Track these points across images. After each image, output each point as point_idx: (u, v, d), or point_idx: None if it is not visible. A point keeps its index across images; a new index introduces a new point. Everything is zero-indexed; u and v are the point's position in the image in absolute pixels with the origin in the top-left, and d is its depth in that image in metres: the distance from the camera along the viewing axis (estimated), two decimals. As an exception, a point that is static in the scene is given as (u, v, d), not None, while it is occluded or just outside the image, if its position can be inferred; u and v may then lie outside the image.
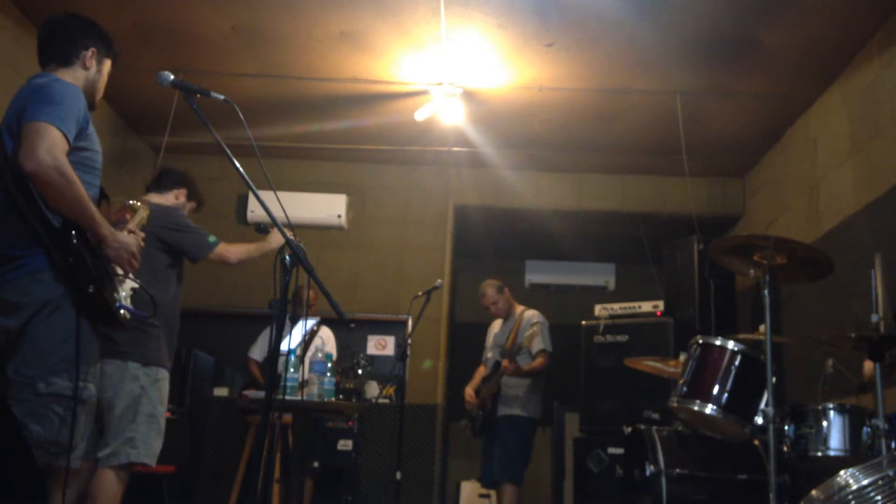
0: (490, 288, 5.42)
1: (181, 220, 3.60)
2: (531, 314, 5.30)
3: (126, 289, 2.63)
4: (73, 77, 2.60)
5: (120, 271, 2.60)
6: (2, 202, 2.40)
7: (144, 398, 3.32)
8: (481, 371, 5.49)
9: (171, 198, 3.76)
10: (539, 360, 5.14)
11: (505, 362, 4.99)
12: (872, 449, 3.03)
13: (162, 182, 3.79)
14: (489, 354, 5.42)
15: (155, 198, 3.70)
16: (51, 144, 2.30)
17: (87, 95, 2.64)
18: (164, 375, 3.42)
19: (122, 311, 2.51)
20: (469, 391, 5.38)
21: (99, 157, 2.59)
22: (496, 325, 5.52)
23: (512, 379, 5.09)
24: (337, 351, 5.63)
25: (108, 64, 2.75)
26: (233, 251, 3.62)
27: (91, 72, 2.67)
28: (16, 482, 1.80)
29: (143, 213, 2.98)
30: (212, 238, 3.56)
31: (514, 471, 5.03)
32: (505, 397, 5.13)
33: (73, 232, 2.37)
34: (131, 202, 2.97)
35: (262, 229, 3.75)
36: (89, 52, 2.65)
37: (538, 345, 5.14)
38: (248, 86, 5.66)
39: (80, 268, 2.36)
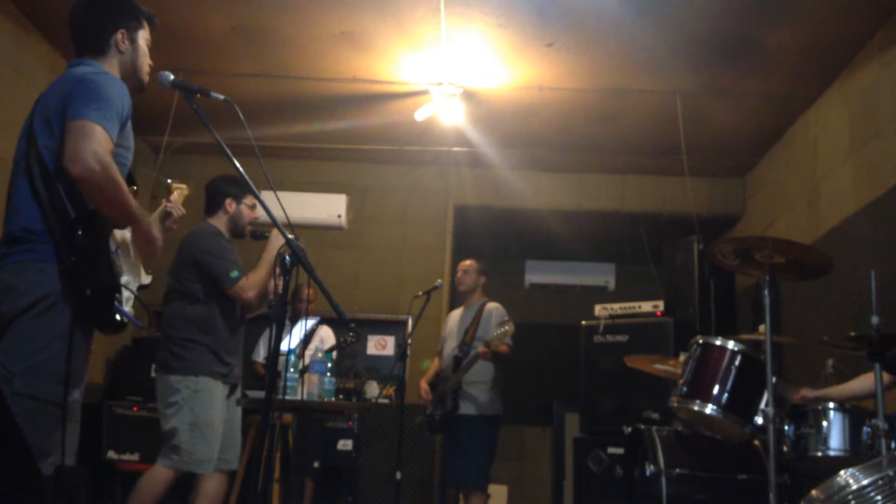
0: (479, 264, 5.28)
1: (212, 245, 3.59)
2: (497, 309, 5.09)
3: (130, 290, 2.61)
4: (110, 66, 2.54)
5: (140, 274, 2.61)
6: (24, 186, 2.37)
7: (186, 408, 3.39)
8: (436, 363, 5.29)
9: (222, 214, 3.75)
10: (504, 348, 4.88)
11: (481, 348, 4.72)
12: (872, 449, 3.03)
13: (208, 203, 3.78)
14: (449, 345, 5.18)
15: (211, 220, 3.74)
16: (96, 146, 2.26)
17: (132, 78, 2.59)
18: (205, 384, 3.44)
19: (118, 316, 2.47)
20: (424, 386, 5.12)
21: (131, 154, 2.55)
22: (455, 314, 5.32)
23: (472, 376, 4.88)
24: (336, 350, 5.62)
25: (143, 34, 2.64)
26: (249, 289, 3.56)
27: (127, 53, 2.58)
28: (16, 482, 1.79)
29: (176, 194, 3.01)
30: (234, 273, 3.54)
31: (482, 476, 4.83)
32: (465, 395, 4.89)
33: (80, 230, 2.33)
34: (169, 181, 2.98)
35: (258, 236, 3.74)
36: (119, 35, 2.56)
37: (507, 341, 4.91)
38: (248, 86, 5.66)
39: (81, 268, 2.33)
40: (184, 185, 3.12)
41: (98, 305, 2.39)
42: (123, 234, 2.57)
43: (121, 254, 2.54)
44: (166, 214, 2.94)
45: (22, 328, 2.30)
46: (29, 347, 2.29)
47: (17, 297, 2.30)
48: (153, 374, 3.72)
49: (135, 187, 2.58)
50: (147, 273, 2.71)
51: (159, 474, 3.35)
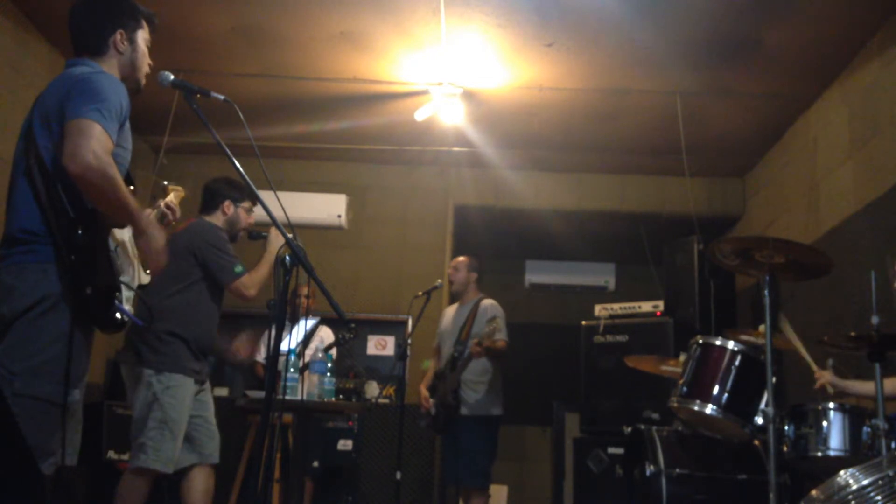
0: (469, 260, 5.26)
1: (217, 240, 3.59)
2: (491, 304, 5.06)
3: (131, 288, 2.60)
4: (109, 66, 2.53)
5: (140, 274, 2.60)
6: (24, 187, 2.37)
7: (156, 404, 3.37)
8: (433, 362, 5.26)
9: (220, 215, 3.74)
10: (501, 344, 4.88)
11: (474, 347, 4.71)
12: (872, 449, 3.03)
13: (206, 203, 3.78)
14: (445, 343, 5.14)
15: (207, 219, 3.74)
16: (95, 145, 2.26)
17: (130, 78, 2.59)
18: (178, 381, 3.42)
19: (118, 315, 2.46)
20: (424, 392, 5.08)
21: (129, 154, 2.55)
22: (450, 311, 5.30)
23: (471, 376, 4.86)
24: (336, 350, 5.61)
25: (142, 34, 2.63)
26: (251, 286, 3.55)
27: (126, 54, 2.57)
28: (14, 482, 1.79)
29: (172, 196, 3.02)
30: (238, 268, 3.54)
31: (482, 476, 4.82)
32: (465, 395, 4.86)
33: (80, 229, 2.33)
34: (165, 182, 2.99)
35: (255, 236, 3.74)
36: (118, 36, 2.55)
37: (501, 337, 4.89)
38: (248, 86, 5.66)
39: (82, 267, 2.33)
40: (180, 187, 3.12)
41: (98, 304, 2.39)
42: (122, 233, 2.57)
43: (120, 253, 2.54)
44: (161, 216, 2.94)
45: (22, 329, 2.30)
46: (29, 348, 2.29)
47: (17, 298, 2.30)
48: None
49: (132, 187, 2.58)
50: (146, 272, 2.71)
51: (132, 483, 3.34)
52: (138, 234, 2.52)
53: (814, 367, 3.64)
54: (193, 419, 3.51)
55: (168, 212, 2.94)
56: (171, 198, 3.01)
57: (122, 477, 3.40)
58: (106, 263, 2.43)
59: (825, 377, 3.57)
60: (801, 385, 3.76)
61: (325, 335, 5.60)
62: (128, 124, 2.50)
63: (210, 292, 3.58)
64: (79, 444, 2.49)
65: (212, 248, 3.55)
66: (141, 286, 2.68)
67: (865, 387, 3.51)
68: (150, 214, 2.88)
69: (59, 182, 2.32)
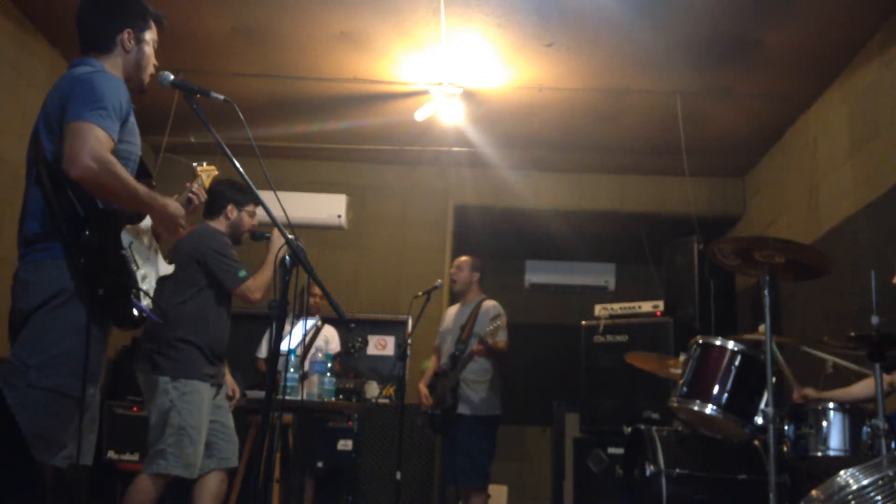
0: (472, 260, 5.25)
1: (220, 245, 3.60)
2: (493, 305, 5.05)
3: (146, 293, 2.59)
4: (113, 64, 2.54)
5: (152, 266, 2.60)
6: (35, 190, 2.39)
7: (173, 411, 3.37)
8: (433, 361, 5.25)
9: (223, 219, 3.75)
10: (502, 344, 4.90)
11: (477, 346, 4.71)
12: (872, 449, 3.04)
13: (209, 206, 3.76)
14: (447, 342, 5.13)
15: (211, 223, 3.75)
16: (94, 146, 2.28)
17: (134, 78, 2.59)
18: (194, 387, 3.43)
19: (135, 311, 2.46)
20: (423, 390, 5.04)
21: (137, 149, 2.55)
22: (452, 310, 5.29)
23: (472, 376, 4.85)
24: (344, 355, 5.62)
25: (149, 34, 2.64)
26: (255, 290, 3.55)
27: (132, 53, 2.58)
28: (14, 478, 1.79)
29: (203, 177, 3.02)
30: (242, 273, 3.54)
31: (482, 476, 4.81)
32: (464, 394, 4.84)
33: (87, 230, 2.34)
34: (194, 164, 2.99)
35: (258, 237, 3.75)
36: (125, 35, 2.56)
37: (502, 338, 4.90)
38: (248, 86, 5.66)
39: (92, 268, 2.34)
40: (212, 167, 3.10)
41: (112, 303, 2.40)
42: (136, 227, 2.57)
43: (136, 246, 2.54)
44: (188, 201, 2.93)
45: (38, 322, 2.33)
46: (44, 341, 2.31)
47: (33, 293, 2.34)
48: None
49: (154, 183, 2.59)
50: (168, 263, 2.72)
51: (146, 484, 3.33)
52: (157, 220, 2.54)
53: (795, 384, 3.64)
54: (211, 424, 3.51)
55: (194, 196, 2.94)
56: (203, 179, 3.00)
57: (134, 479, 3.38)
58: (118, 262, 2.43)
59: (805, 394, 3.57)
60: (801, 385, 3.77)
61: (330, 335, 5.59)
62: (133, 118, 2.51)
63: (218, 297, 3.59)
64: (94, 444, 2.49)
65: (215, 253, 3.56)
66: (163, 278, 2.69)
67: (845, 395, 3.51)
68: (175, 199, 2.88)
69: (67, 183, 2.34)
